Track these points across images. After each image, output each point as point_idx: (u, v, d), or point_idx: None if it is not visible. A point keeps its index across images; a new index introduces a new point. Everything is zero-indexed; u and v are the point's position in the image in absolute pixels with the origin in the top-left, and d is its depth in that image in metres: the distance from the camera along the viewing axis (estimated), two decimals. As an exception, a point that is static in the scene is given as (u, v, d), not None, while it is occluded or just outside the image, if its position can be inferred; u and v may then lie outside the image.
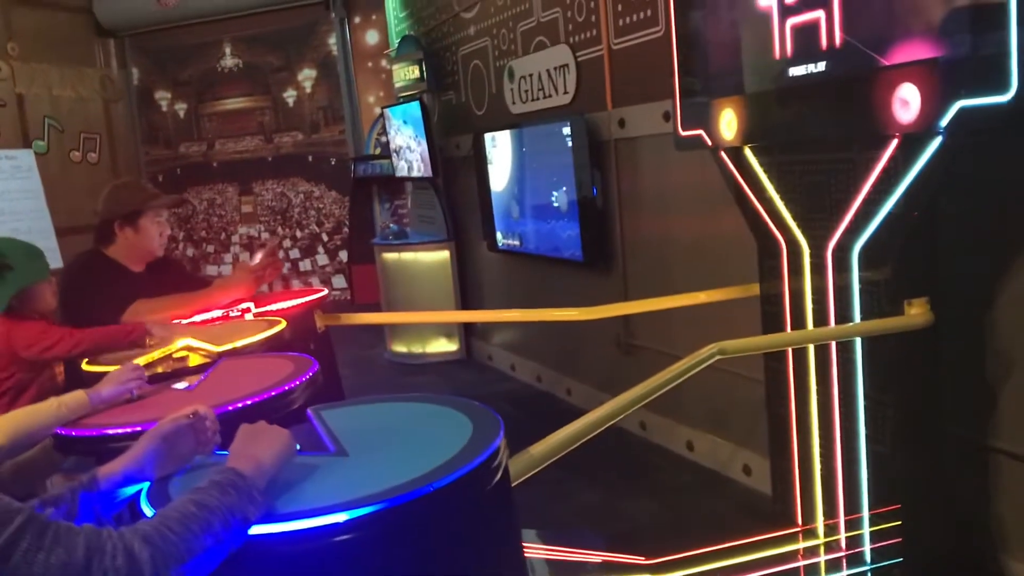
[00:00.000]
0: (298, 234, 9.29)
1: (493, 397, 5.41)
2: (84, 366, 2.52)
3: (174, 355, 2.47)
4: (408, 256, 6.53)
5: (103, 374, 2.21)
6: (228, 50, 9.16)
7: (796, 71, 2.58)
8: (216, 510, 1.15)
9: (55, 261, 7.56)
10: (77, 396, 1.93)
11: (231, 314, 3.14)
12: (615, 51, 4.16)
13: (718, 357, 2.16)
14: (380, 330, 6.94)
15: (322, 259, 9.25)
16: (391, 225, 7.38)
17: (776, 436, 2.94)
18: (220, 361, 2.33)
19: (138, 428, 1.72)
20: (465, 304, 6.42)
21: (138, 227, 3.14)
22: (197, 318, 3.03)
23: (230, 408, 1.82)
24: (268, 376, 2.04)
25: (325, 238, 9.23)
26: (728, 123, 2.89)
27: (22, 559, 1.01)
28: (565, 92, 4.62)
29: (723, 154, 2.95)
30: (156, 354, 2.46)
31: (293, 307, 3.30)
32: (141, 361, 2.35)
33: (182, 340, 2.52)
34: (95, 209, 3.18)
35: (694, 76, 3.06)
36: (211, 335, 2.61)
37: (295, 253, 9.25)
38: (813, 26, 2.49)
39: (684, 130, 3.10)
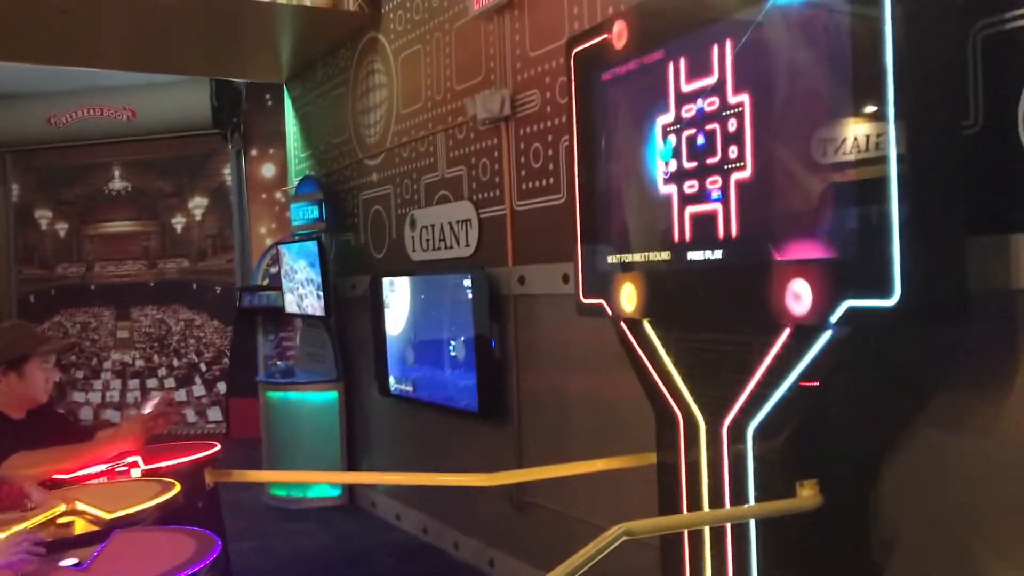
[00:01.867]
0: (175, 363, 8.99)
1: (376, 549, 5.26)
2: (-46, 531, 2.34)
3: (58, 521, 2.32)
4: (294, 396, 6.39)
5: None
6: (118, 173, 9.02)
7: (694, 255, 2.73)
8: None
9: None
10: None
11: (117, 469, 2.99)
12: (517, 212, 4.32)
13: (625, 539, 2.19)
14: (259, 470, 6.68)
15: (199, 390, 8.96)
16: (279, 362, 7.23)
17: (671, 608, 2.96)
18: (114, 534, 2.20)
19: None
20: (351, 448, 6.28)
21: (23, 373, 2.99)
22: (81, 472, 2.87)
23: (129, 595, 1.72)
24: (168, 555, 1.94)
25: (203, 368, 8.97)
26: (628, 296, 3.02)
27: None
28: (467, 245, 4.73)
29: (623, 324, 3.06)
30: (38, 519, 2.30)
31: (184, 463, 3.16)
32: (22, 526, 2.20)
33: (67, 503, 2.38)
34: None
35: (595, 247, 3.20)
36: (99, 498, 2.47)
37: (171, 382, 8.92)
38: (711, 216, 2.67)
39: (586, 298, 3.22)
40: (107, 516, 2.35)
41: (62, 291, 9.15)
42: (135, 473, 2.99)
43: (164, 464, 3.08)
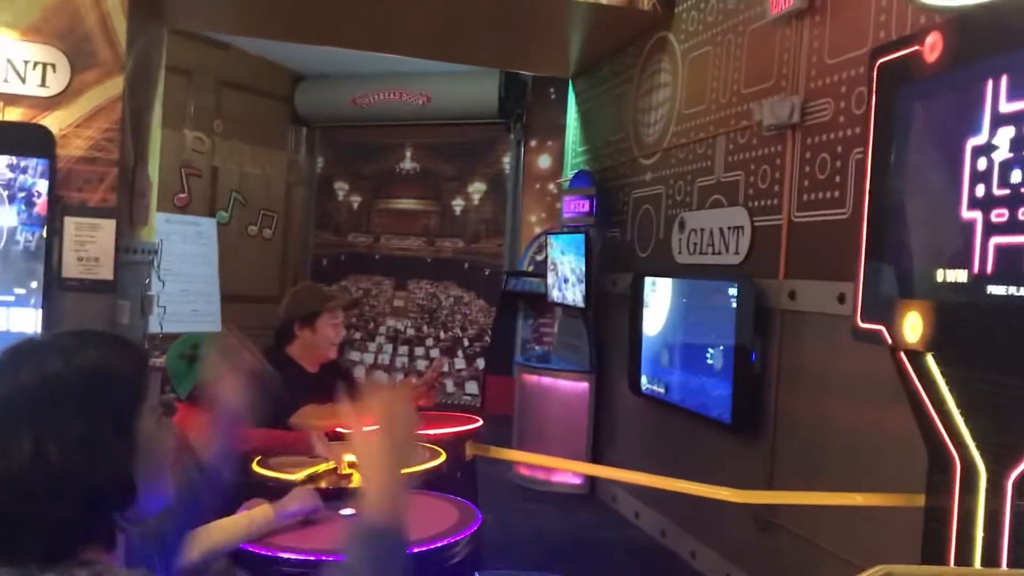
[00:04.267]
0: (442, 335, 9.55)
1: (612, 544, 5.31)
2: (255, 467, 2.64)
3: (340, 471, 2.56)
4: (548, 381, 6.58)
5: (269, 478, 2.31)
6: (408, 154, 9.71)
7: (995, 289, 2.51)
8: None
9: (216, 325, 8.05)
10: (265, 512, 2.03)
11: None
12: (795, 223, 4.17)
13: (884, 582, 2.07)
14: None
15: (459, 363, 9.45)
16: (536, 347, 7.48)
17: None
18: (387, 492, 2.39)
19: (311, 558, 1.78)
20: (597, 440, 6.37)
21: (315, 328, 3.32)
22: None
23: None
24: (434, 522, 2.09)
25: (466, 343, 9.45)
26: (913, 326, 2.83)
27: None
28: (736, 253, 4.64)
29: (902, 355, 2.88)
30: (323, 467, 2.55)
31: (449, 433, 3.37)
32: (309, 472, 2.45)
33: (349, 456, 2.61)
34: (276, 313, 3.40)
35: (880, 269, 3.02)
36: (375, 456, 2.69)
37: (436, 353, 9.50)
38: (1020, 249, 2.44)
39: (863, 322, 3.05)
40: (381, 474, 2.56)
41: (350, 258, 10.01)
42: (404, 437, 3.23)
43: (431, 432, 3.31)
